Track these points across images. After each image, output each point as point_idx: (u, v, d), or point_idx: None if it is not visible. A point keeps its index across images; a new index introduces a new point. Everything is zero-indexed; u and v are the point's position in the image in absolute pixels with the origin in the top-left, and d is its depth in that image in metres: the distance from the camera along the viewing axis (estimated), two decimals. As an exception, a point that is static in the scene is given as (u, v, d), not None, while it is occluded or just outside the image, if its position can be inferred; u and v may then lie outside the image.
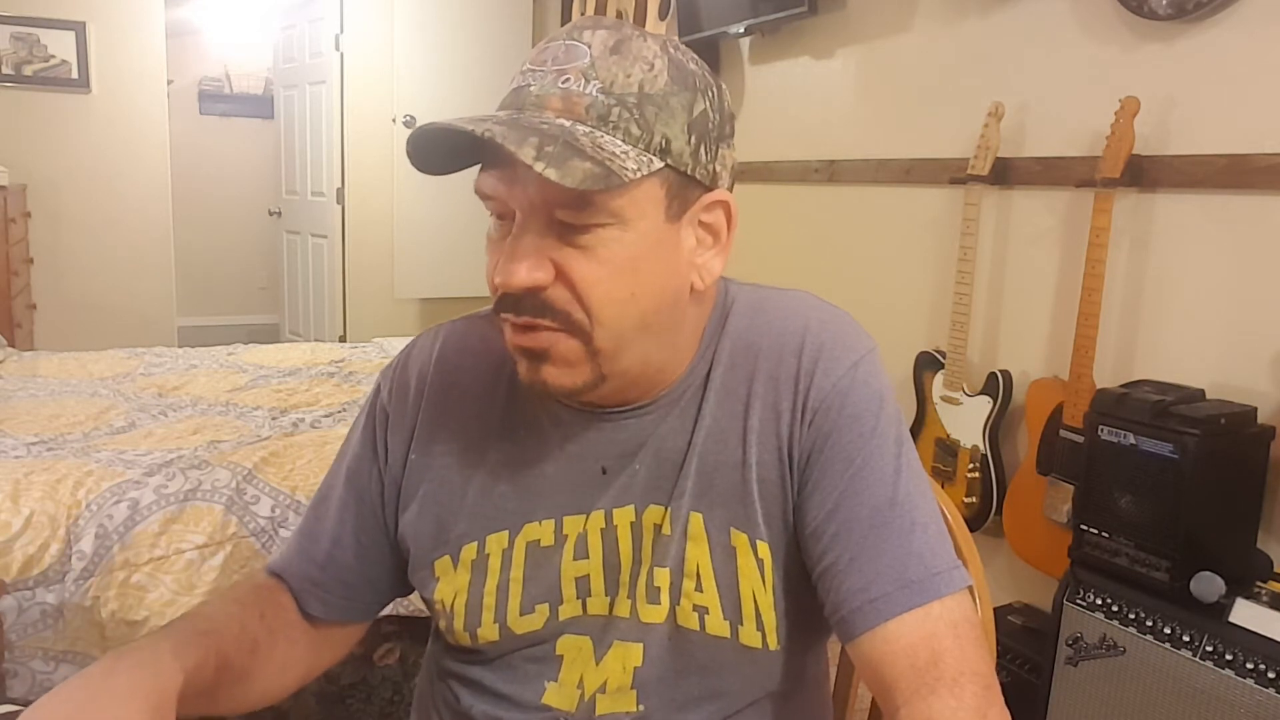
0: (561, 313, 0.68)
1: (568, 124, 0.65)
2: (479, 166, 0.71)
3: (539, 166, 0.61)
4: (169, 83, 4.58)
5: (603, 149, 0.64)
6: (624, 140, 0.66)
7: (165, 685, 0.63)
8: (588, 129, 0.65)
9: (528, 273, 0.67)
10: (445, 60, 4.36)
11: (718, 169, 0.72)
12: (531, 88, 0.67)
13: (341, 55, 4.44)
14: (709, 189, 0.72)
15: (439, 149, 0.69)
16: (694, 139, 0.69)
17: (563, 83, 0.66)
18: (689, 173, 0.70)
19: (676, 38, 3.23)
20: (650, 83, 0.67)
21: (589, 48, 0.67)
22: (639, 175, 0.66)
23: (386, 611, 0.95)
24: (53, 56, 4.15)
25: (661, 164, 0.68)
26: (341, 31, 4.44)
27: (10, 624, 1.53)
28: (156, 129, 4.43)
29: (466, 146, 0.69)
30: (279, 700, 0.83)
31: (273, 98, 5.30)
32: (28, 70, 4.12)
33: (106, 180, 4.33)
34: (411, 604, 1.66)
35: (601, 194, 0.65)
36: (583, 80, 0.66)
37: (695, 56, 0.73)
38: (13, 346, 3.24)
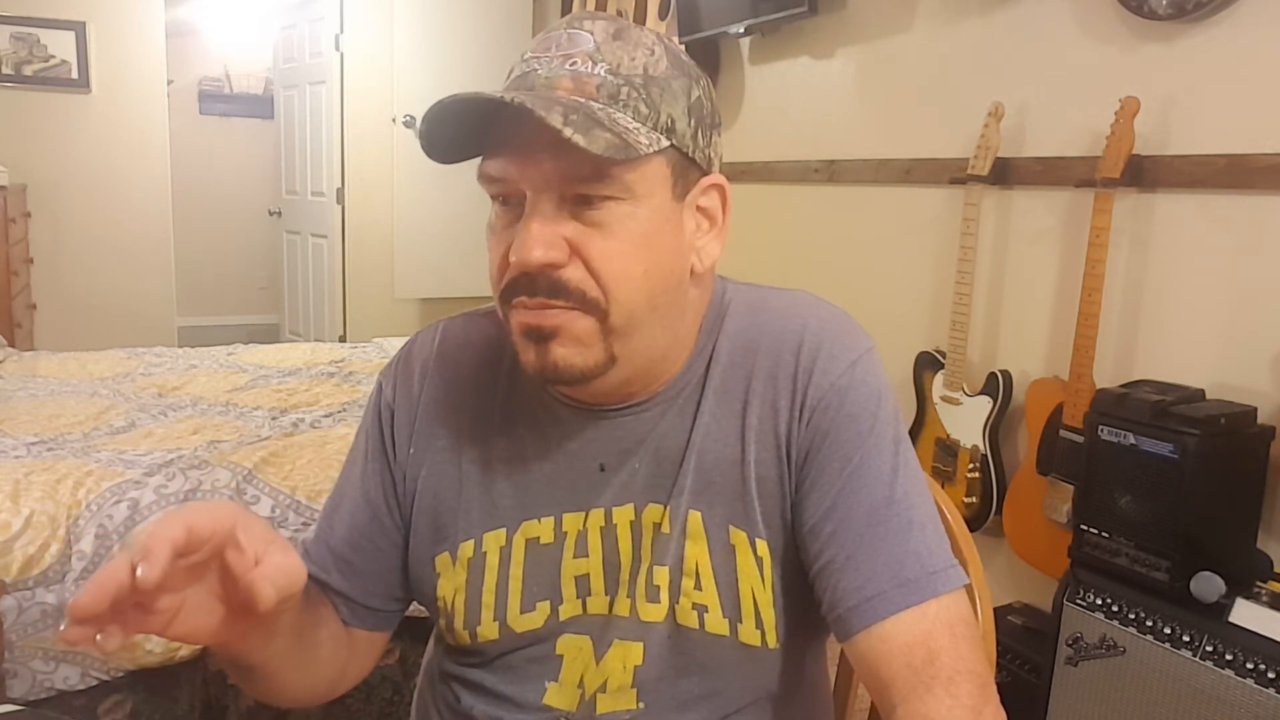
0: (576, 291, 0.68)
1: (581, 100, 0.66)
2: (478, 159, 0.71)
3: (568, 132, 0.62)
4: (169, 83, 4.57)
5: (617, 123, 0.66)
6: (633, 118, 0.68)
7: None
8: (600, 105, 0.67)
9: (544, 250, 0.67)
10: (445, 60, 4.36)
11: (712, 155, 0.75)
12: (539, 71, 0.68)
13: (341, 55, 4.44)
14: (705, 173, 0.74)
15: (449, 132, 0.69)
16: (693, 122, 0.72)
17: (570, 65, 0.68)
18: (690, 154, 0.72)
19: (676, 37, 3.23)
20: (653, 66, 0.69)
21: (591, 35, 0.69)
22: (651, 150, 0.67)
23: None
24: (53, 56, 4.15)
25: (668, 142, 0.69)
26: (341, 31, 4.43)
27: (10, 624, 1.52)
28: (156, 129, 4.42)
29: (473, 133, 0.69)
30: (312, 702, 0.82)
31: (273, 98, 5.30)
32: (28, 70, 4.12)
33: (106, 180, 4.32)
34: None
35: (617, 167, 0.66)
36: (590, 63, 0.68)
37: (684, 49, 0.74)
38: (13, 346, 3.23)
